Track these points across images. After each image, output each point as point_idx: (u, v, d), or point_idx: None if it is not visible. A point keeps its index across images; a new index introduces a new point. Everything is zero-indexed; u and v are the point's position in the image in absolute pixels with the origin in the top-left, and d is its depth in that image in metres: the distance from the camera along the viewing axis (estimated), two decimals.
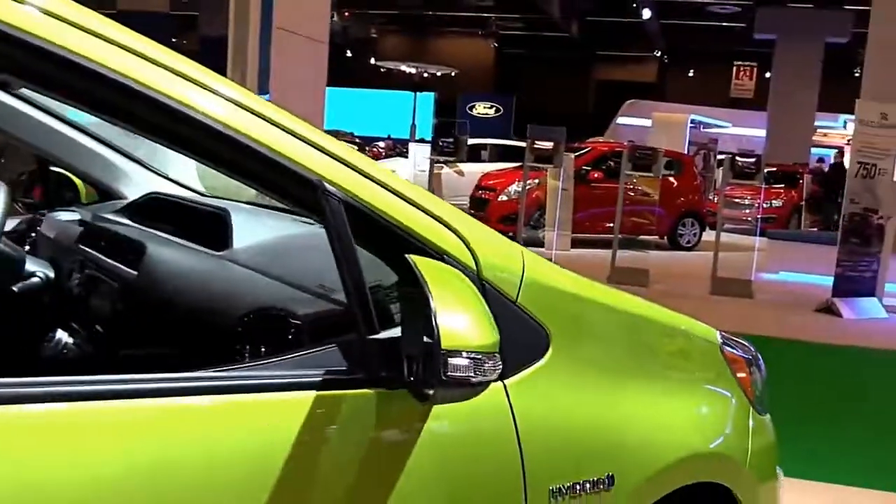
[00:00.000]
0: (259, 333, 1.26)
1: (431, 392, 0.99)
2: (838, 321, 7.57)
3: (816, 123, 21.94)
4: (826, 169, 16.07)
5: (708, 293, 8.15)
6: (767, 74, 23.70)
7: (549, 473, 1.23)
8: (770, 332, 6.15)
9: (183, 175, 2.23)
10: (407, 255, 1.05)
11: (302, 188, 1.05)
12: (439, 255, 1.14)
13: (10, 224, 1.89)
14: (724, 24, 27.66)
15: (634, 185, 10.05)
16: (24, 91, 1.93)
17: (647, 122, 22.62)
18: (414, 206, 1.16)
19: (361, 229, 1.08)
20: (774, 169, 14.57)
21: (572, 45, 33.14)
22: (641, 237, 11.28)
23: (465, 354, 0.97)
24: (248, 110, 1.06)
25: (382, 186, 1.14)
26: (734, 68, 27.59)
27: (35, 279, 1.67)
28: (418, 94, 32.69)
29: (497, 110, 32.05)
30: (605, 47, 34.72)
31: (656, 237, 11.70)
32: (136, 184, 2.14)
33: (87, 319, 1.56)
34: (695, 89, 32.21)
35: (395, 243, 1.12)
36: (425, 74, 33.73)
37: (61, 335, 1.50)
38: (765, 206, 11.24)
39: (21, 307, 1.64)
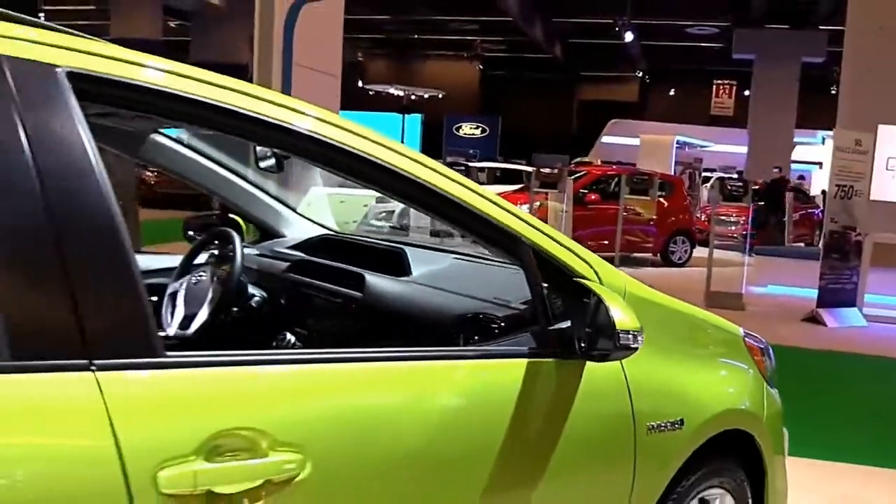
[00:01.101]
0: (471, 327, 1.87)
1: (613, 354, 1.64)
2: (823, 329, 8.28)
3: (795, 140, 22.77)
4: (768, 183, 16.51)
5: (703, 306, 8.81)
6: (747, 92, 24.53)
7: (646, 414, 1.87)
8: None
9: (323, 219, 2.87)
10: (575, 279, 1.70)
11: (507, 239, 1.68)
12: (581, 276, 1.77)
13: (203, 256, 2.48)
14: (704, 44, 28.50)
15: (629, 206, 10.77)
16: (219, 156, 2.55)
17: (631, 141, 23.36)
18: (562, 245, 1.79)
19: (540, 264, 1.71)
20: (756, 187, 15.35)
21: (555, 66, 34.00)
22: (636, 254, 11.99)
23: (628, 332, 1.61)
24: (468, 189, 1.67)
25: (544, 234, 1.77)
26: (714, 87, 28.33)
27: (256, 299, 2.30)
28: (406, 116, 33.45)
29: (483, 131, 32.70)
30: (588, 68, 35.57)
31: (650, 254, 12.42)
32: (290, 225, 2.77)
33: (311, 326, 2.19)
34: (676, 107, 33.12)
35: (556, 270, 1.75)
36: (413, 97, 34.41)
37: (289, 336, 2.13)
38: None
39: (247, 320, 2.26)
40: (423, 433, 1.46)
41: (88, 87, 1.22)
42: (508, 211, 1.70)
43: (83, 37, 1.31)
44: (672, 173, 17.83)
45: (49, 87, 1.17)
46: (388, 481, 1.40)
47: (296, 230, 2.76)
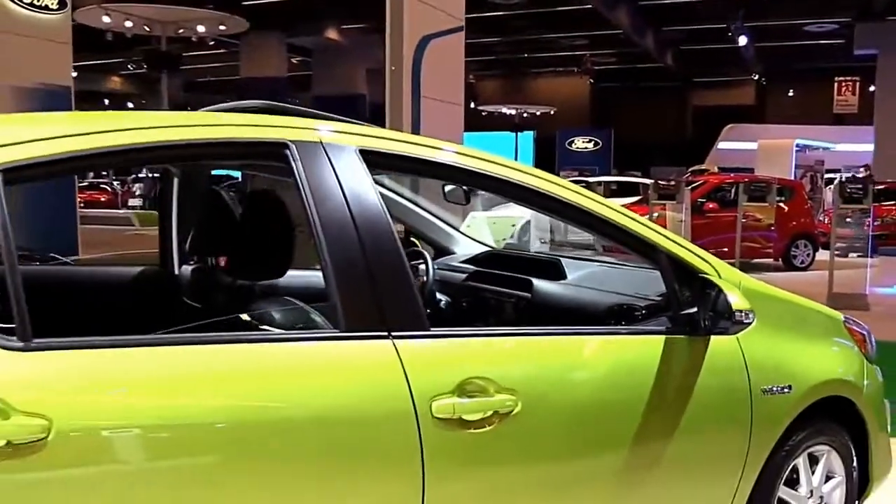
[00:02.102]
0: (621, 314, 2.47)
1: (730, 329, 2.21)
2: None
3: None
4: None
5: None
6: (871, 88, 23.81)
7: (760, 380, 2.40)
8: (888, 337, 7.01)
9: (482, 237, 3.55)
10: (700, 275, 2.28)
11: (646, 247, 2.27)
12: (704, 273, 2.34)
13: None
14: (823, 41, 27.81)
15: (748, 212, 11.00)
16: (401, 190, 3.25)
17: (749, 146, 23.09)
18: (688, 250, 2.36)
19: (672, 265, 2.30)
20: (883, 186, 15.09)
21: (667, 74, 33.88)
22: (756, 260, 12.14)
23: (741, 311, 2.18)
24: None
25: (674, 241, 2.34)
26: (835, 84, 27.55)
27: (442, 303, 2.97)
28: (519, 133, 34.15)
29: (596, 144, 32.79)
30: (701, 74, 35.21)
31: (771, 259, 12.53)
32: (457, 244, 3.45)
33: (494, 320, 2.85)
34: (796, 108, 32.34)
35: (684, 269, 2.33)
36: (525, 114, 35.06)
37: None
38: (876, 223, 11.91)
39: (438, 318, 2.93)
40: (593, 385, 2.08)
41: (370, 157, 1.91)
42: (646, 225, 2.30)
43: (361, 124, 2.01)
44: (792, 177, 17.68)
45: (349, 159, 1.87)
46: (571, 418, 2.02)
47: (462, 248, 3.43)
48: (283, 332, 1.85)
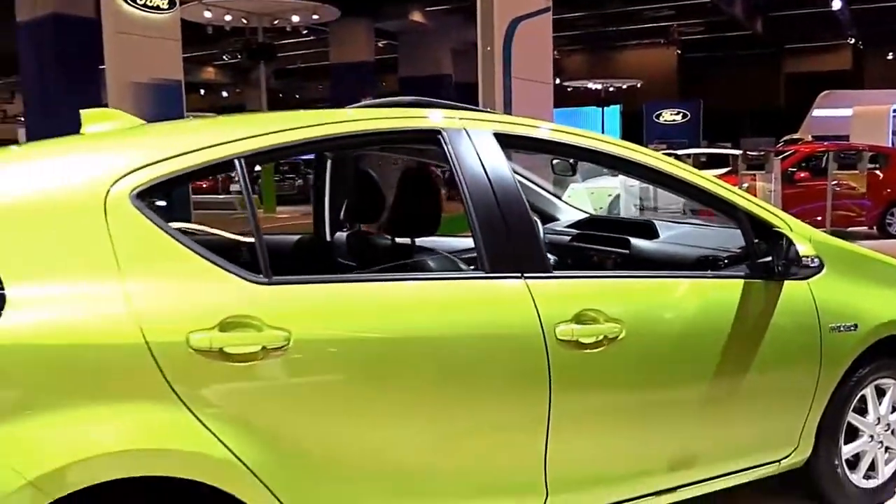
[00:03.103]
0: (709, 263, 2.91)
1: (799, 273, 2.65)
2: None
3: None
4: None
5: None
6: None
7: (828, 319, 2.81)
8: None
9: (582, 206, 4.03)
10: (774, 229, 2.71)
11: (728, 207, 2.73)
12: (778, 227, 2.76)
13: None
14: None
15: (840, 180, 11.04)
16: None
17: (845, 113, 22.53)
18: (764, 209, 2.79)
19: (750, 222, 2.74)
20: None
21: (758, 41, 33.07)
22: (851, 228, 12.13)
23: (809, 257, 2.62)
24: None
25: (752, 202, 2.78)
26: None
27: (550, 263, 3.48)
28: (605, 108, 34.07)
29: (684, 116, 32.33)
30: (794, 40, 34.19)
31: (865, 227, 12.48)
32: (560, 212, 3.94)
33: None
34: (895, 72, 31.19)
35: (761, 224, 2.76)
36: (611, 89, 34.88)
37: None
38: None
39: None
40: (685, 319, 2.56)
41: (502, 138, 2.43)
42: (728, 188, 2.75)
43: (493, 112, 2.54)
44: (889, 143, 17.30)
45: (487, 140, 2.39)
46: (667, 345, 2.50)
47: (565, 215, 3.92)
48: (450, 272, 2.41)
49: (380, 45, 31.19)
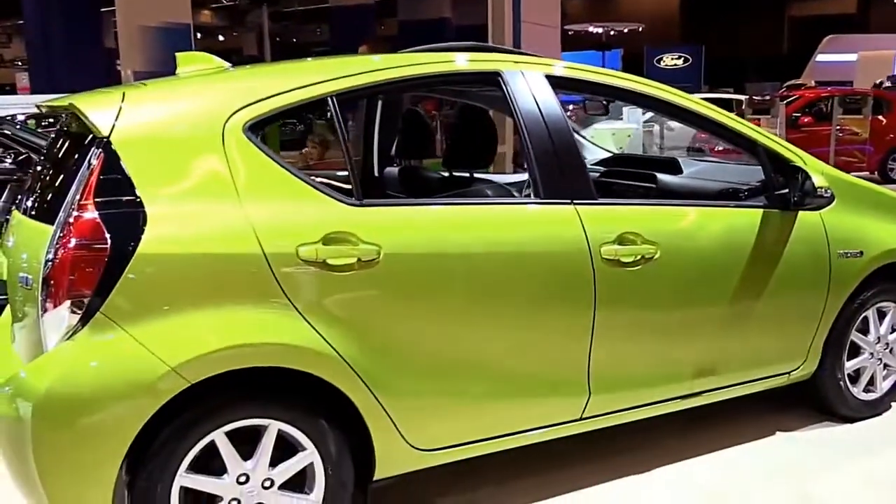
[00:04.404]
0: (730, 194, 3.21)
1: (813, 203, 2.97)
2: None
3: None
4: None
5: None
6: None
7: (837, 245, 3.11)
8: None
9: (605, 145, 4.32)
10: (790, 164, 3.02)
11: (749, 143, 3.02)
12: (794, 161, 3.07)
13: None
14: None
15: (844, 126, 11.29)
16: None
17: (849, 58, 22.56)
18: (781, 145, 3.09)
19: (768, 156, 3.04)
20: None
21: None
22: (853, 173, 12.41)
23: (822, 188, 2.93)
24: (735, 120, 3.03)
25: (770, 139, 3.08)
26: None
27: None
28: (606, 52, 33.94)
29: (685, 61, 32.13)
30: None
31: (867, 172, 12.77)
32: (587, 150, 4.24)
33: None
34: None
35: (778, 159, 3.06)
36: (612, 32, 34.68)
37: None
38: None
39: None
40: (710, 242, 2.88)
41: (553, 80, 2.72)
42: (749, 126, 3.05)
43: (544, 57, 2.81)
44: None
45: (540, 81, 2.68)
46: (696, 264, 2.82)
47: (591, 153, 4.22)
48: (510, 198, 2.72)
49: None
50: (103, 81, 2.59)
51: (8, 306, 2.66)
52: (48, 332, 2.06)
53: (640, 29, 33.83)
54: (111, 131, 2.12)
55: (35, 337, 2.11)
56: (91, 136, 2.17)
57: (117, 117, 2.15)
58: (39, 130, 6.54)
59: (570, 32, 34.69)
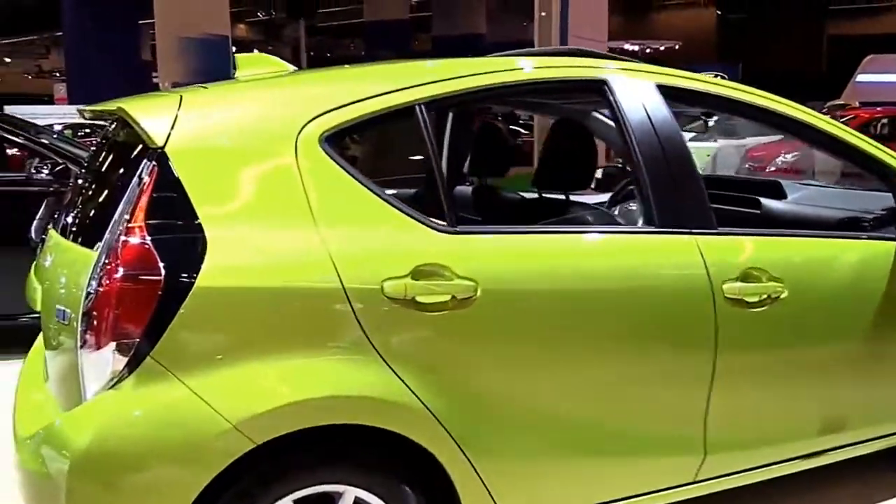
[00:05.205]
0: (850, 225, 2.83)
1: None
2: None
3: None
4: None
5: None
6: None
7: None
8: None
9: None
10: None
11: (879, 167, 2.63)
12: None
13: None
14: None
15: None
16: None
17: (892, 78, 21.93)
18: (887, 153, 2.69)
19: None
20: None
21: (800, 2, 32.28)
22: None
23: None
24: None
25: (884, 151, 2.68)
26: None
27: None
28: None
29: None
30: (838, 1, 33.36)
31: None
32: None
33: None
34: None
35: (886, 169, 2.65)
36: (647, 50, 34.28)
37: None
38: None
39: None
40: (843, 278, 2.49)
41: (665, 90, 2.35)
42: (880, 149, 2.66)
43: (647, 64, 2.45)
44: None
45: (651, 92, 2.31)
46: (827, 304, 2.43)
47: None
48: (623, 227, 2.35)
49: (412, 3, 30.85)
50: (139, 92, 2.39)
51: (40, 336, 2.35)
52: (88, 376, 1.74)
53: (677, 47, 33.38)
54: (166, 141, 1.80)
55: (72, 380, 1.79)
56: (142, 146, 1.85)
57: (173, 125, 1.82)
58: (75, 140, 6.29)
59: (606, 50, 34.34)
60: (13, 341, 4.63)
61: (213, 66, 11.64)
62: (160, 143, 1.79)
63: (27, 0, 25.52)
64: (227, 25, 13.14)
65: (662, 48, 33.82)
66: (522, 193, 2.93)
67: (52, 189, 4.74)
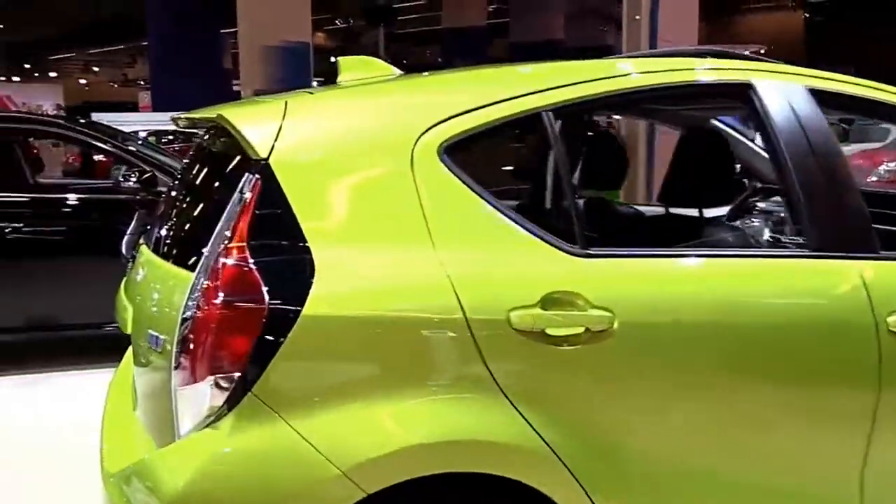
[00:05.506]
0: None
1: None
2: None
3: None
4: None
5: None
6: None
7: None
8: None
9: None
10: None
11: None
12: None
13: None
14: None
15: None
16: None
17: None
18: None
19: None
20: None
21: (894, 6, 30.89)
22: None
23: None
24: None
25: None
26: None
27: None
28: None
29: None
30: None
31: None
32: None
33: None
34: None
35: None
36: None
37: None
38: None
39: None
40: None
41: (818, 95, 2.06)
42: None
43: (806, 68, 2.17)
44: None
45: (802, 97, 2.03)
46: None
47: None
48: (775, 250, 2.07)
49: (490, 9, 30.68)
50: (220, 101, 2.34)
51: (130, 352, 2.22)
52: (183, 411, 1.57)
53: (762, 51, 32.32)
54: (270, 152, 1.62)
55: (164, 412, 1.62)
56: (241, 157, 1.68)
57: (278, 135, 1.64)
58: (161, 147, 6.29)
59: None
60: (96, 350, 4.63)
61: (293, 73, 11.68)
62: (264, 154, 1.61)
63: (115, 10, 26.34)
64: (309, 33, 13.18)
65: (747, 52, 32.71)
66: (639, 208, 2.68)
67: (138, 197, 4.69)
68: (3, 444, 3.61)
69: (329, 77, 2.15)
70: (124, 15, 26.89)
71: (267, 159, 1.61)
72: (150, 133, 15.67)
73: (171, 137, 18.45)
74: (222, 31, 23.85)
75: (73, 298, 4.49)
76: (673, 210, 2.49)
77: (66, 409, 4.03)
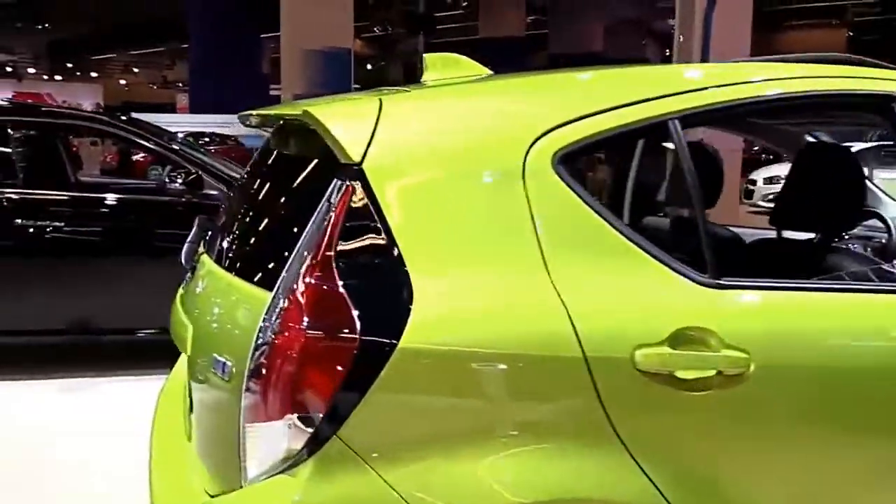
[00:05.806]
0: None
1: None
2: None
3: None
4: None
5: None
6: None
7: None
8: None
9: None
10: None
11: None
12: None
13: None
14: None
15: None
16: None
17: None
18: None
19: None
20: None
21: None
22: None
23: None
24: None
25: None
26: None
27: None
28: None
29: None
30: None
31: None
32: (881, 203, 3.24)
33: None
34: None
35: None
36: None
37: None
38: None
39: None
40: None
41: None
42: None
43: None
44: None
45: None
46: None
47: (887, 209, 3.23)
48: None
49: (528, 20, 30.48)
50: (258, 104, 2.21)
51: (181, 364, 2.03)
52: (252, 453, 1.36)
53: None
54: (363, 156, 1.40)
55: (228, 449, 1.41)
56: (329, 161, 1.46)
57: (372, 136, 1.42)
58: (204, 149, 6.14)
59: None
60: (129, 356, 4.47)
61: (334, 78, 11.59)
62: (356, 157, 1.40)
63: (157, 12, 26.55)
64: (351, 39, 13.09)
65: None
66: (736, 230, 2.43)
67: (184, 199, 4.53)
68: (46, 448, 3.47)
69: (367, 84, 1.94)
70: (166, 18, 27.11)
71: (360, 164, 1.39)
72: (187, 135, 15.70)
73: (206, 140, 18.46)
74: (261, 35, 23.96)
75: (119, 301, 4.33)
76: (786, 234, 2.24)
77: (110, 414, 3.86)
